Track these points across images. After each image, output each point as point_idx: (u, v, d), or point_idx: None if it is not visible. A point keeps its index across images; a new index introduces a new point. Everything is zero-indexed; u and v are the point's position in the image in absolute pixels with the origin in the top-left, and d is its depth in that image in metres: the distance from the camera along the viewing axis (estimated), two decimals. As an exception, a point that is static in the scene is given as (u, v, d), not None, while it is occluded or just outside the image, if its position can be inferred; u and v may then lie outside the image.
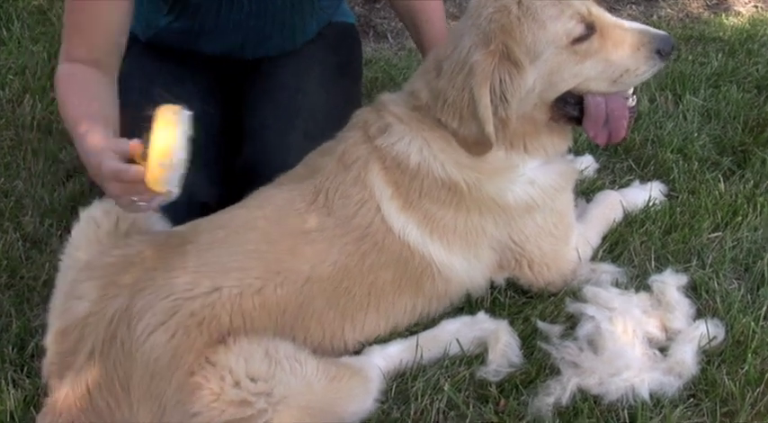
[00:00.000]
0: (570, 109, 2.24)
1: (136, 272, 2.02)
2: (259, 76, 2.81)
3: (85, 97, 2.28)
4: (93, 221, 2.26)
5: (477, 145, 2.20)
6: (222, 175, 2.66)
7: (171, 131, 1.85)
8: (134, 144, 1.92)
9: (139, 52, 2.81)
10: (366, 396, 2.04)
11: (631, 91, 2.27)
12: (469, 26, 2.23)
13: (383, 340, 2.22)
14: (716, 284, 2.40)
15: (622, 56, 2.16)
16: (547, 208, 2.31)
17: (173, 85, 2.67)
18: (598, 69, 2.17)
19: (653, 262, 2.49)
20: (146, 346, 1.90)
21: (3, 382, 2.15)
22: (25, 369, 2.21)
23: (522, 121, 2.22)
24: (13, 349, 2.27)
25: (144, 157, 1.87)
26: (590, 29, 2.15)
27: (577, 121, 2.26)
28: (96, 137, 2.07)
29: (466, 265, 2.27)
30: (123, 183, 1.93)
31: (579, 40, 2.15)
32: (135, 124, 2.60)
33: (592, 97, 2.22)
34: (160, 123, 1.86)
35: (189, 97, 2.71)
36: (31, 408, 2.08)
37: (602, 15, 2.18)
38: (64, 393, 1.92)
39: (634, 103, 2.29)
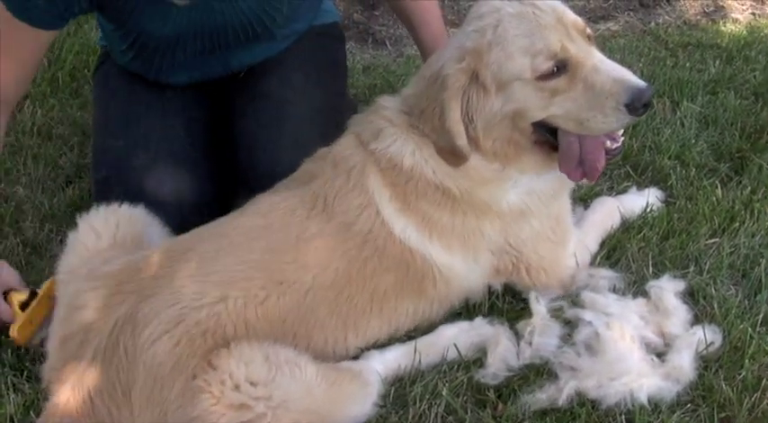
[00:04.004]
0: (550, 137, 2.19)
1: (140, 279, 2.03)
2: (244, 84, 2.81)
3: None
4: (92, 231, 2.27)
5: (453, 156, 2.17)
6: (210, 174, 2.68)
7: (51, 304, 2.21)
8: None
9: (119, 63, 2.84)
10: (365, 400, 2.05)
11: (621, 132, 2.20)
12: (455, 39, 2.25)
13: (382, 345, 2.23)
14: (713, 290, 2.40)
15: (590, 101, 2.07)
16: (542, 213, 2.29)
17: (155, 93, 2.69)
18: (564, 109, 2.10)
19: (650, 268, 2.50)
20: (149, 353, 1.90)
21: (3, 386, 2.16)
22: (25, 373, 2.21)
23: (504, 142, 2.19)
24: (12, 353, 2.27)
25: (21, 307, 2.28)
26: (561, 66, 2.08)
27: (557, 149, 2.20)
28: None
29: (466, 268, 2.27)
30: None
31: (546, 76, 2.08)
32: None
33: (564, 135, 2.16)
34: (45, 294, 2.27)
35: (172, 104, 2.74)
36: (31, 412, 2.08)
37: (579, 54, 2.09)
38: (65, 398, 1.93)
39: (618, 145, 2.21)
